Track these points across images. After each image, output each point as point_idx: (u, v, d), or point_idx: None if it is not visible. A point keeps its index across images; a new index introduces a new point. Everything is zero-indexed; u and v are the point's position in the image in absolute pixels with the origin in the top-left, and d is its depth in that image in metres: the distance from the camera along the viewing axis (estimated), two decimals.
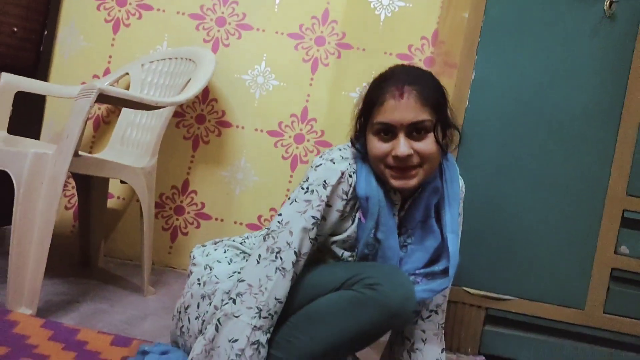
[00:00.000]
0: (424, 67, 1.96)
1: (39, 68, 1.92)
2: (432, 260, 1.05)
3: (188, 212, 1.98)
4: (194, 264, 1.13)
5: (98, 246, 1.81)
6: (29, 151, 1.29)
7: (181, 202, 1.98)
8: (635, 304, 1.38)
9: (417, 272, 1.04)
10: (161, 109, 1.64)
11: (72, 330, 1.20)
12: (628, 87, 1.39)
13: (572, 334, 1.40)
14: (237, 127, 1.98)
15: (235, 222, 1.97)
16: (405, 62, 1.96)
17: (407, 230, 1.07)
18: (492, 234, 1.40)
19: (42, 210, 1.29)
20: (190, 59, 1.83)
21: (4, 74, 1.64)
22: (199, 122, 1.98)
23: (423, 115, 0.97)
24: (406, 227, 1.07)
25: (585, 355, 1.40)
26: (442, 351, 1.11)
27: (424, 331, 1.10)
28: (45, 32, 1.92)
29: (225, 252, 1.14)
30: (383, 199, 1.02)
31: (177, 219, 1.98)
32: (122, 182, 1.55)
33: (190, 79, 1.72)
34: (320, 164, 1.01)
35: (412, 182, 0.99)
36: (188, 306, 1.08)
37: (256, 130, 1.98)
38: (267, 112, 1.98)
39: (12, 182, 1.26)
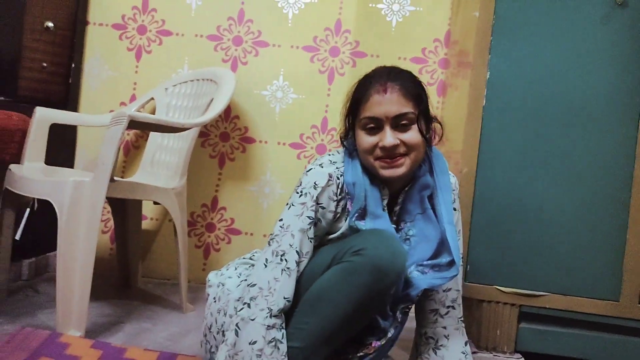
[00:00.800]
0: (440, 70, 2.01)
1: (69, 99, 2.01)
2: (437, 254, 1.10)
3: (219, 229, 2.03)
4: (210, 286, 1.20)
5: (136, 267, 1.88)
6: (69, 180, 1.35)
7: (211, 219, 2.04)
8: None
9: (424, 263, 1.08)
10: (187, 131, 1.70)
11: (120, 349, 1.26)
12: None
13: (608, 327, 1.39)
14: (261, 142, 2.03)
15: (264, 236, 2.01)
16: (420, 66, 1.98)
17: (406, 223, 1.13)
18: (520, 230, 1.40)
19: (83, 236, 1.35)
20: (211, 80, 1.89)
21: (38, 108, 1.72)
22: (223, 140, 2.04)
23: (406, 108, 1.06)
24: (405, 220, 1.13)
25: (622, 348, 1.39)
26: (465, 344, 1.16)
27: (445, 327, 1.15)
28: (73, 65, 2.00)
29: (235, 269, 1.21)
30: (369, 186, 1.09)
31: (209, 236, 2.03)
32: (155, 203, 1.62)
33: (212, 99, 1.78)
34: (311, 169, 1.10)
35: (400, 170, 1.06)
36: (211, 325, 1.14)
37: (279, 143, 2.03)
38: (288, 125, 2.03)
39: (52, 210, 1.33)
